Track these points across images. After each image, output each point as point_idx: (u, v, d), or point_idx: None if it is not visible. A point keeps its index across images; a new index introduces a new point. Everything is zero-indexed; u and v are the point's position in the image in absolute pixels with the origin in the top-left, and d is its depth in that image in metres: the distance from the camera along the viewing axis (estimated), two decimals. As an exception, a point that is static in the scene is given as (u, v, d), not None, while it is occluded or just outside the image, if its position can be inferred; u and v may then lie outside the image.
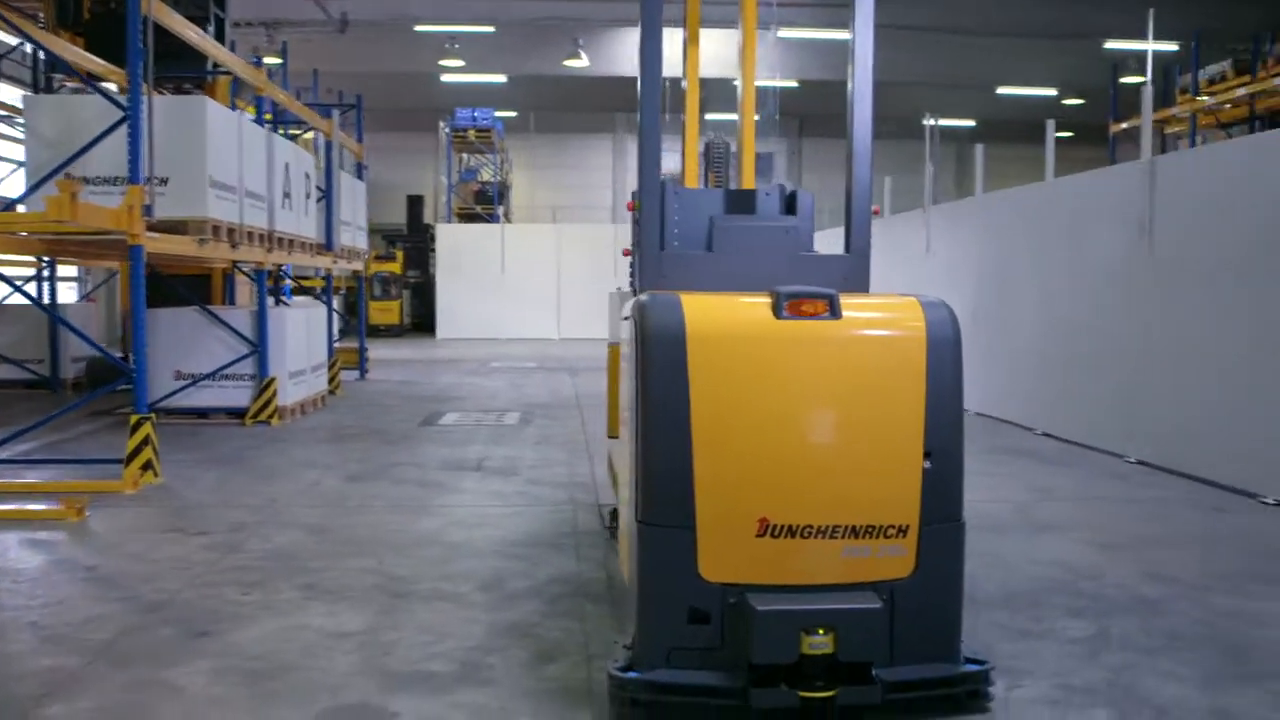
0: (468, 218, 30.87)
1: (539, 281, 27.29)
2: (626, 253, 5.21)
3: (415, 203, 31.26)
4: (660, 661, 3.56)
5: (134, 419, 7.63)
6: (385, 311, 27.77)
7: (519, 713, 3.68)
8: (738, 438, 3.61)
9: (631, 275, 5.12)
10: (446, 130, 29.84)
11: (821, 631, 3.44)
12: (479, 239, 27.73)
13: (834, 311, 3.71)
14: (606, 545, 5.92)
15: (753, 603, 3.48)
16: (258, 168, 10.41)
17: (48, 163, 8.64)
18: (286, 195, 11.28)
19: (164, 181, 8.59)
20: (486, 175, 31.95)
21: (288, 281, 17.49)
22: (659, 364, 3.61)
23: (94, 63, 9.30)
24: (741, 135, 5.64)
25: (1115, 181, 9.31)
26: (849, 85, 4.47)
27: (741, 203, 4.83)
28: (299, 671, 4.04)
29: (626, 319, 4.14)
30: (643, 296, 3.86)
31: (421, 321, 30.59)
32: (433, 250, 30.93)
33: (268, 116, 12.88)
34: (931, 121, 13.27)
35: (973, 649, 3.81)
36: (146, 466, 7.61)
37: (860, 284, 4.45)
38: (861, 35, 4.39)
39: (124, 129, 7.71)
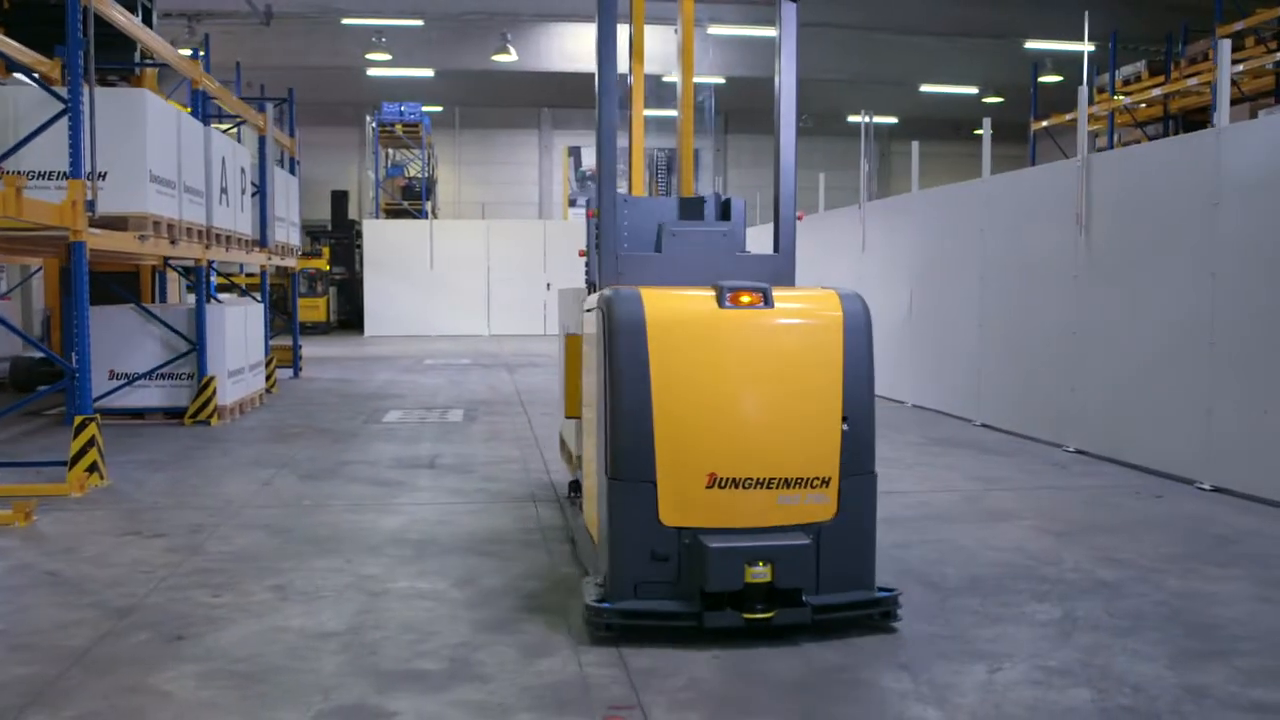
0: (394, 213, 30.50)
1: (468, 278, 27.06)
2: (582, 254, 5.78)
3: (340, 199, 30.80)
4: (629, 594, 4.29)
5: (78, 420, 7.43)
6: (312, 309, 27.32)
7: (518, 709, 3.68)
8: (690, 407, 4.34)
9: (588, 273, 5.63)
10: (373, 125, 29.43)
11: (761, 564, 4.20)
12: (407, 235, 27.41)
13: (767, 302, 4.47)
14: (574, 542, 5.94)
15: (705, 541, 4.23)
16: (195, 162, 10.18)
17: (-22, 156, 8.36)
18: (223, 190, 11.05)
19: (102, 176, 8.35)
20: (413, 171, 31.58)
21: (212, 278, 17.13)
22: (625, 347, 4.30)
23: (24, 53, 8.98)
24: (680, 141, 6.17)
25: (1053, 178, 9.57)
26: (775, 111, 5.16)
27: (688, 210, 5.61)
28: (288, 673, 3.99)
29: (591, 311, 4.66)
30: (607, 291, 4.50)
31: (347, 319, 30.19)
32: (358, 247, 30.50)
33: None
34: (865, 119, 13.46)
35: (885, 582, 4.62)
36: (92, 469, 7.41)
37: (788, 279, 5.17)
38: (786, 64, 5.10)
39: (62, 122, 7.50)
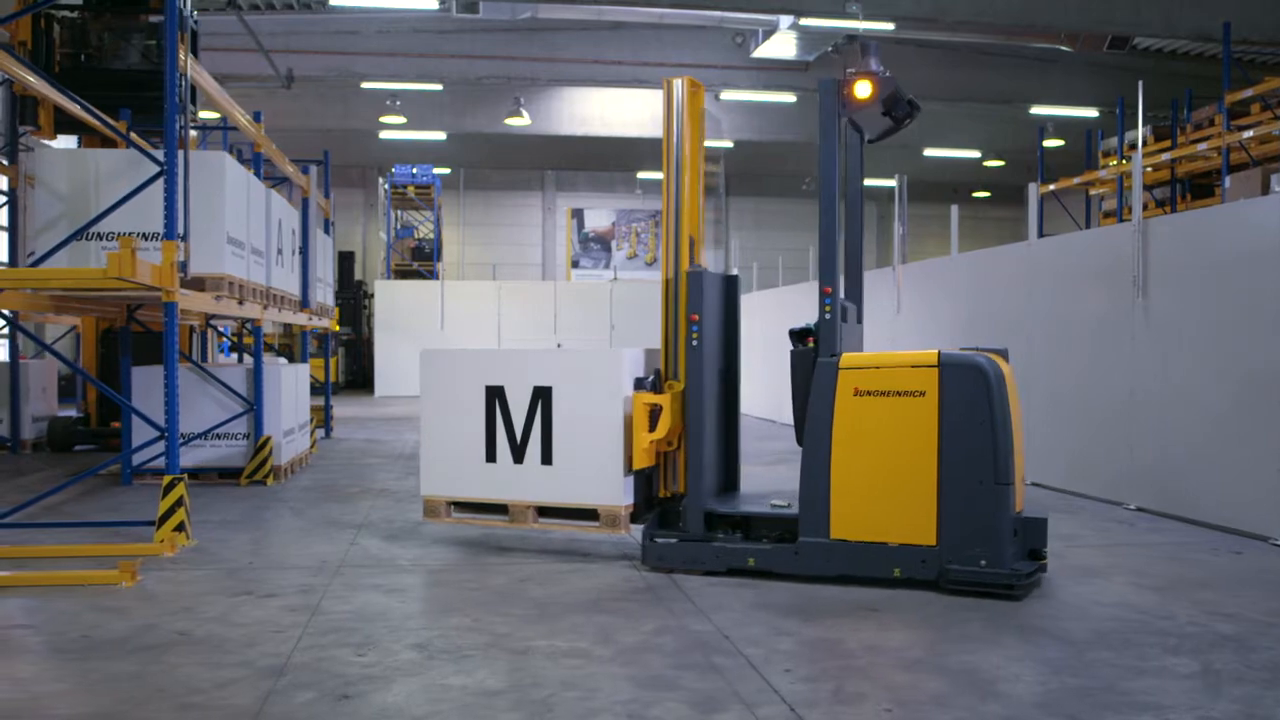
0: (403, 274, 30.67)
1: (478, 338, 27.09)
2: (694, 318, 6.66)
3: (346, 259, 30.96)
4: (1009, 560, 6.06)
5: (167, 480, 7.45)
6: (321, 369, 27.32)
7: (717, 763, 3.72)
8: (1017, 431, 6.24)
9: (665, 340, 6.76)
10: (386, 187, 29.71)
11: None
12: (417, 296, 27.50)
13: (1006, 360, 6.46)
14: (687, 596, 5.98)
15: (1036, 518, 6.40)
16: (259, 224, 10.30)
17: (59, 217, 8.47)
18: (279, 251, 11.17)
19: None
20: (423, 232, 31.83)
21: (225, 339, 17.18)
22: (999, 395, 6.08)
23: (101, 116, 9.10)
24: (697, 215, 7.05)
25: (1103, 241, 9.79)
26: (850, 218, 7.07)
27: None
28: (472, 730, 4.01)
29: (932, 367, 6.17)
30: (963, 356, 6.17)
31: (355, 379, 30.18)
32: (364, 307, 30.61)
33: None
34: (898, 182, 13.71)
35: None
36: (178, 528, 7.41)
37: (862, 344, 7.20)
38: (856, 177, 7.25)
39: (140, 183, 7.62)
